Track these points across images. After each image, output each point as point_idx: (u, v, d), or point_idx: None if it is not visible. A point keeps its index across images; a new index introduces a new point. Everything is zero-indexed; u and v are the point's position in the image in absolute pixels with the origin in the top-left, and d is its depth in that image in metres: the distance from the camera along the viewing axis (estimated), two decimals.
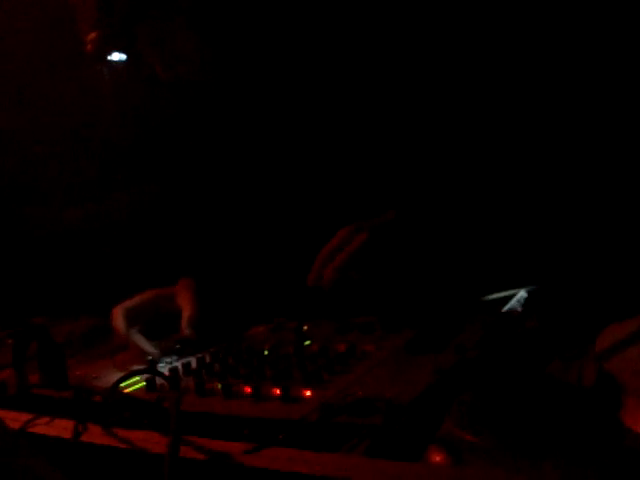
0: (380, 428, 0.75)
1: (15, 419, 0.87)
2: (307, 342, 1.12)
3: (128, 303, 1.22)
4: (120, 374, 1.04)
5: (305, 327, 1.20)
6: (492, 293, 1.20)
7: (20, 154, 1.72)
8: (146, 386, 0.98)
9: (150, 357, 1.12)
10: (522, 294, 1.19)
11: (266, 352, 1.08)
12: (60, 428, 0.83)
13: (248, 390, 0.92)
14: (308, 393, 0.89)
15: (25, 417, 0.87)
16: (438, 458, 0.71)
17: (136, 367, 1.06)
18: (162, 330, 1.23)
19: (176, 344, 1.16)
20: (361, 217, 1.15)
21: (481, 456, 0.70)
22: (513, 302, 1.17)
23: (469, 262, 1.19)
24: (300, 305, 1.23)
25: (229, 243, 1.39)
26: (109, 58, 1.16)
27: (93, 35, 1.11)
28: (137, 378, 1.01)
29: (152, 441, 0.76)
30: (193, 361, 1.07)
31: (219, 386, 0.94)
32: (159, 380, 0.98)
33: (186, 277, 1.27)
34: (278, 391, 0.90)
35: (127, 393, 0.95)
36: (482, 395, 0.77)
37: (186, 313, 1.17)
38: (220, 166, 1.42)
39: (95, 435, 0.80)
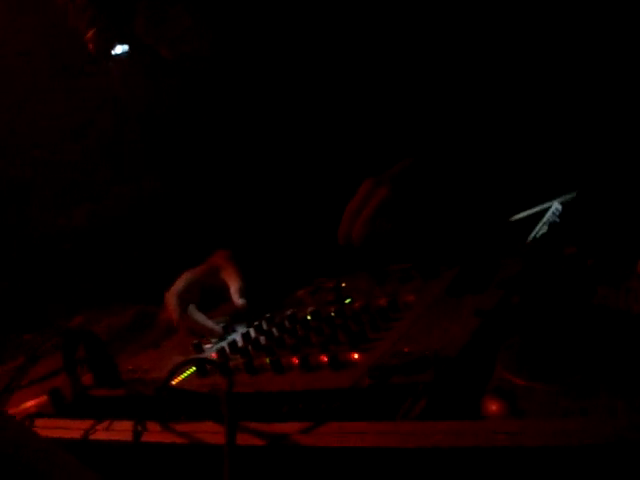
0: (432, 384, 0.75)
1: (76, 428, 0.88)
2: (347, 300, 1.11)
3: (178, 286, 1.22)
4: (169, 362, 1.07)
5: (343, 284, 1.19)
6: (522, 211, 1.18)
7: (20, 157, 1.72)
8: (197, 372, 0.99)
9: (199, 339, 1.13)
10: (556, 206, 1.17)
11: (309, 317, 1.08)
12: (120, 431, 0.84)
13: (296, 361, 0.93)
14: (356, 356, 0.89)
15: (86, 424, 0.88)
16: (494, 408, 0.71)
17: (183, 357, 1.07)
18: (208, 306, 1.23)
19: (227, 319, 1.17)
20: (378, 167, 1.13)
21: (536, 400, 0.69)
22: (548, 215, 1.15)
23: (495, 185, 1.18)
24: (335, 263, 1.22)
25: (258, 210, 1.38)
26: (113, 53, 1.14)
27: (90, 33, 1.10)
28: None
29: (210, 432, 0.77)
30: (239, 339, 1.08)
31: (267, 361, 0.95)
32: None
33: (221, 249, 1.27)
34: (325, 358, 0.90)
35: (178, 386, 0.95)
36: (529, 336, 0.76)
37: (235, 285, 1.17)
38: (239, 134, 1.41)
39: (154, 433, 0.81)
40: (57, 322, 1.40)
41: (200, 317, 1.17)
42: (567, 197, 1.17)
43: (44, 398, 1.08)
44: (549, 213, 1.16)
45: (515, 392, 0.70)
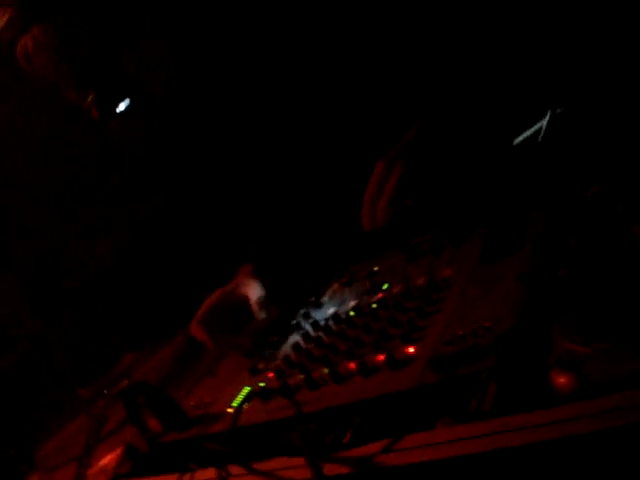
0: (496, 368, 0.75)
1: None
2: (385, 286, 1.11)
3: (200, 314, 1.23)
4: (228, 391, 1.08)
5: (376, 268, 1.19)
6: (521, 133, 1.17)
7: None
8: (259, 396, 1.00)
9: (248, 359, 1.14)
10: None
11: (352, 313, 1.08)
12: None
13: (353, 367, 0.93)
14: (411, 350, 0.89)
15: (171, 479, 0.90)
16: (563, 380, 0.71)
17: (240, 383, 1.08)
18: (241, 323, 1.24)
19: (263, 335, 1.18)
20: (386, 144, 1.12)
21: (600, 365, 0.69)
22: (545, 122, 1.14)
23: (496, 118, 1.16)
24: (362, 248, 1.22)
25: (271, 212, 1.38)
26: (118, 110, 1.13)
27: (90, 97, 1.09)
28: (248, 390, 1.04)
29: (295, 466, 0.78)
30: (290, 351, 1.08)
31: (326, 372, 0.95)
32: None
33: (245, 263, 1.27)
34: (382, 358, 0.90)
35: (245, 419, 0.94)
36: (582, 301, 0.76)
37: (253, 298, 1.18)
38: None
39: (240, 477, 0.82)
40: (109, 370, 1.41)
41: (234, 342, 1.19)
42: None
43: (119, 452, 1.10)
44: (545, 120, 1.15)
45: (579, 360, 0.71)
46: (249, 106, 1.34)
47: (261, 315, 1.20)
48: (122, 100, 1.21)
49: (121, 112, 1.18)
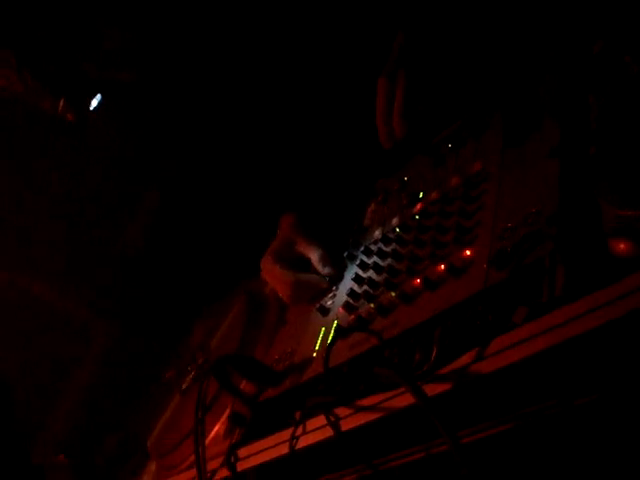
0: (556, 251, 0.77)
1: (279, 443, 0.95)
2: (420, 195, 1.12)
3: (271, 250, 1.23)
4: (306, 336, 1.12)
5: (406, 178, 1.20)
6: None
7: None
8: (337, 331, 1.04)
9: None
10: None
11: (398, 230, 1.10)
12: (318, 430, 0.90)
13: (418, 284, 0.96)
14: (468, 253, 0.91)
15: (284, 436, 0.95)
16: (623, 246, 0.73)
17: (313, 325, 1.12)
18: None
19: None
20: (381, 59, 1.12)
21: None
22: None
23: None
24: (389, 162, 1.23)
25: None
26: (91, 108, 1.14)
27: (62, 103, 1.09)
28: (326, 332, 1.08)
29: (398, 394, 0.82)
30: (352, 283, 1.10)
31: (393, 294, 0.98)
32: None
33: (285, 214, 1.27)
34: (443, 268, 0.93)
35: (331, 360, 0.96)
36: (618, 164, 0.77)
37: (315, 255, 1.17)
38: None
39: (349, 418, 0.87)
40: (183, 346, 1.46)
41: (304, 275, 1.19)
42: None
43: (224, 419, 1.16)
44: None
45: (632, 223, 0.73)
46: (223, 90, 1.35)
47: (326, 272, 1.17)
48: (92, 97, 1.22)
49: (95, 109, 1.18)
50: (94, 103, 1.14)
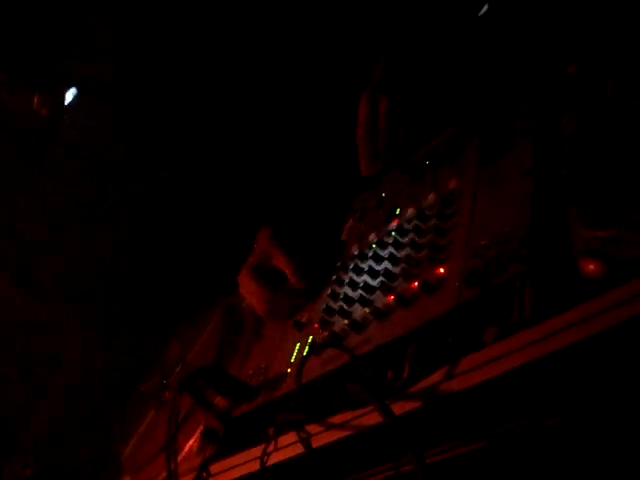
0: (528, 272, 0.78)
1: (251, 459, 0.95)
2: (397, 211, 1.13)
3: (249, 263, 1.23)
4: (280, 351, 1.12)
5: (383, 194, 1.20)
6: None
7: None
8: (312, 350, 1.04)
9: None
10: None
11: (374, 246, 1.10)
12: (290, 447, 0.90)
13: (391, 300, 0.96)
14: (442, 270, 0.92)
15: (256, 452, 0.95)
16: (592, 267, 0.74)
17: (288, 340, 1.12)
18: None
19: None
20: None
21: (620, 243, 0.72)
22: None
23: None
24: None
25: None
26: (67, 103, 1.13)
27: (36, 100, 1.09)
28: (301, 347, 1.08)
29: (367, 412, 0.82)
30: (327, 299, 1.10)
31: (367, 311, 0.99)
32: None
33: (262, 228, 1.27)
34: (416, 285, 0.93)
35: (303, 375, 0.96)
36: (590, 186, 0.78)
37: (289, 268, 1.16)
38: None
39: (320, 434, 0.87)
40: (160, 360, 1.46)
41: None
42: None
43: (197, 435, 1.15)
44: None
45: (603, 245, 0.73)
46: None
47: (300, 285, 1.17)
48: (67, 91, 1.21)
49: (71, 104, 1.17)
50: (69, 97, 1.13)
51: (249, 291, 1.23)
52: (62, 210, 1.59)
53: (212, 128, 1.52)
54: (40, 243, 1.65)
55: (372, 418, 0.80)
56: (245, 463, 0.96)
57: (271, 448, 0.93)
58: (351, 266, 1.10)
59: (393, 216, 1.12)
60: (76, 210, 1.60)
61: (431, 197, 1.06)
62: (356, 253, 1.13)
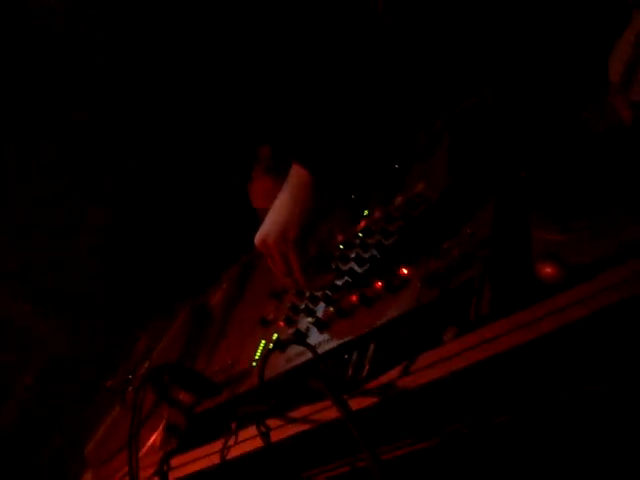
0: (486, 274, 0.80)
1: (211, 453, 0.96)
2: (365, 212, 1.14)
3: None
4: (245, 348, 1.13)
5: (353, 196, 1.21)
6: None
7: None
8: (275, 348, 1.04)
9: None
10: None
11: (341, 247, 1.11)
12: (248, 442, 0.91)
13: (355, 300, 0.97)
14: (405, 271, 0.93)
15: (217, 446, 0.95)
16: (549, 270, 0.75)
17: (255, 337, 1.12)
18: None
19: None
20: None
21: (576, 248, 0.74)
22: None
23: None
24: None
25: None
26: None
27: None
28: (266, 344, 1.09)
29: (324, 407, 0.83)
30: (293, 297, 1.11)
31: (331, 310, 1.00)
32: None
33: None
34: (380, 285, 0.95)
35: (270, 380, 0.96)
36: (549, 193, 0.80)
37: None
38: None
39: (279, 429, 0.88)
40: (127, 357, 1.46)
41: None
42: None
43: (160, 430, 1.16)
44: None
45: (557, 248, 0.75)
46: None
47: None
48: None
49: None
50: None
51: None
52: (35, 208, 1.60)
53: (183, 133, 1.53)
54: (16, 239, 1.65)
55: (330, 413, 0.81)
56: (205, 456, 0.97)
57: (231, 442, 0.94)
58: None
59: (361, 217, 1.14)
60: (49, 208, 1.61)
61: (398, 199, 1.07)
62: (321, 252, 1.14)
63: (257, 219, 1.21)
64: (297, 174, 1.02)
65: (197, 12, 1.40)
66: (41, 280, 1.67)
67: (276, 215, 1.02)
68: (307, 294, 1.08)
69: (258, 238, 1.04)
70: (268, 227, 1.02)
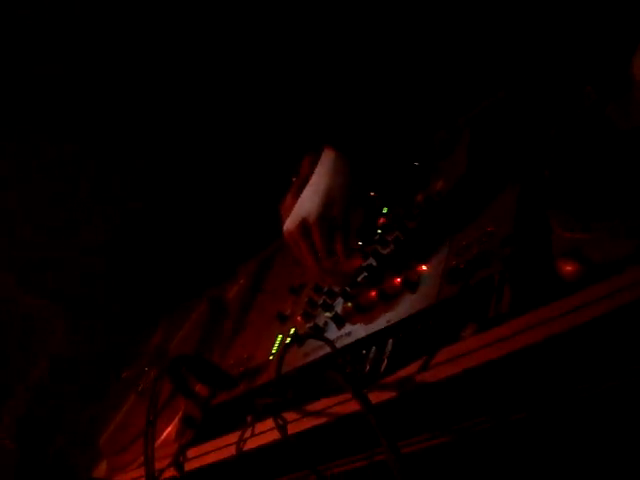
0: (506, 271, 0.80)
1: (228, 445, 0.96)
2: (385, 209, 1.14)
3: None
4: (262, 342, 1.13)
5: (372, 194, 1.21)
6: None
7: None
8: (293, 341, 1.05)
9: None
10: None
11: (360, 243, 1.11)
12: (265, 434, 0.91)
13: (374, 295, 0.97)
14: (424, 267, 0.94)
15: (233, 438, 0.96)
16: (570, 268, 0.76)
17: (272, 331, 1.13)
18: None
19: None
20: None
21: (600, 247, 0.74)
22: None
23: None
24: None
25: None
26: None
27: None
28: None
29: (343, 401, 0.83)
30: (312, 293, 1.12)
31: (350, 305, 1.00)
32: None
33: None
34: (399, 281, 0.95)
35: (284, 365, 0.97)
36: (571, 191, 0.80)
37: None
38: None
39: (297, 421, 0.88)
40: (144, 348, 1.47)
41: None
42: None
43: (176, 422, 1.16)
44: None
45: (581, 247, 0.75)
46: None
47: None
48: None
49: None
50: None
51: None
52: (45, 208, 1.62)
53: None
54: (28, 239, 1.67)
55: (349, 406, 0.81)
56: (221, 448, 0.97)
57: (248, 434, 0.94)
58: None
59: (380, 214, 1.14)
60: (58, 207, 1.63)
61: (419, 197, 1.07)
62: None
63: (271, 214, 1.22)
64: (331, 157, 1.03)
65: (214, 12, 1.41)
66: (41, 280, 1.69)
67: (313, 196, 1.02)
68: (325, 289, 1.08)
69: (294, 221, 1.03)
70: (308, 206, 1.02)
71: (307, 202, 1.03)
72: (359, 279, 1.03)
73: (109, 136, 1.62)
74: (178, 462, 1.03)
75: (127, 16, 1.48)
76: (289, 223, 1.04)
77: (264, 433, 0.92)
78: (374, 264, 1.02)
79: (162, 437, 1.18)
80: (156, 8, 1.47)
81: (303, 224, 1.02)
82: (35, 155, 1.63)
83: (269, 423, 0.91)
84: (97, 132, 1.62)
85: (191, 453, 1.03)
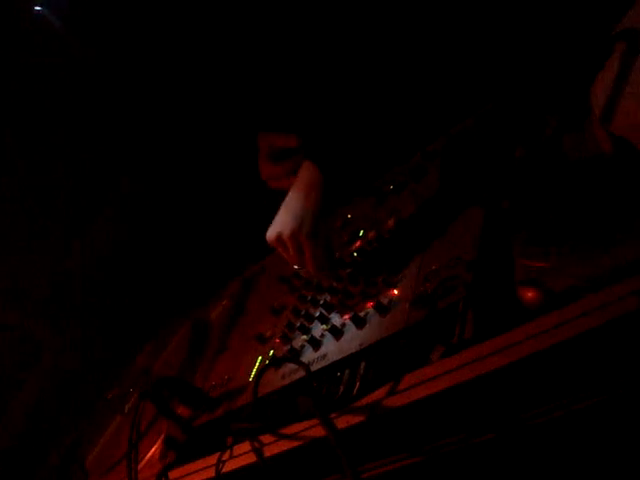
0: (469, 298, 0.82)
1: (207, 466, 0.99)
2: (360, 233, 1.17)
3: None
4: (243, 365, 1.16)
5: (349, 216, 1.24)
6: None
7: None
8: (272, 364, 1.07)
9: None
10: None
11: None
12: (242, 456, 0.94)
13: (347, 318, 1.00)
14: (395, 292, 0.96)
15: (212, 460, 0.99)
16: (530, 294, 0.79)
17: (251, 354, 1.15)
18: None
19: None
20: None
21: (558, 273, 0.77)
22: None
23: None
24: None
25: None
26: None
27: None
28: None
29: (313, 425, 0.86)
30: (290, 315, 1.15)
31: (325, 328, 1.03)
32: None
33: None
34: (371, 305, 0.98)
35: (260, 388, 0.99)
36: (531, 220, 0.82)
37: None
38: None
39: (270, 445, 0.91)
40: (128, 369, 1.49)
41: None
42: None
43: (159, 443, 1.19)
44: None
45: (540, 275, 0.78)
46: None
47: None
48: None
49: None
50: None
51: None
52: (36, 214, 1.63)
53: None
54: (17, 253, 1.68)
55: (319, 431, 0.84)
56: (201, 470, 1.00)
57: (226, 456, 0.97)
58: (314, 284, 1.15)
59: (356, 237, 1.17)
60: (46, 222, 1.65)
61: (390, 221, 1.10)
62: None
63: (255, 234, 1.26)
64: (308, 173, 1.11)
65: (211, 11, 1.42)
66: (41, 291, 1.71)
67: (290, 211, 1.10)
68: (303, 312, 1.11)
69: (272, 233, 1.11)
70: (283, 222, 1.10)
71: (283, 217, 1.11)
72: (335, 302, 1.06)
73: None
74: None
75: (127, 16, 1.50)
76: (269, 233, 1.12)
77: (242, 455, 0.95)
78: (348, 288, 1.05)
79: (147, 457, 1.20)
80: (155, 8, 1.49)
81: (279, 237, 1.09)
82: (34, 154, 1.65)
83: (247, 446, 0.94)
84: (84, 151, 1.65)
85: (173, 474, 1.06)
